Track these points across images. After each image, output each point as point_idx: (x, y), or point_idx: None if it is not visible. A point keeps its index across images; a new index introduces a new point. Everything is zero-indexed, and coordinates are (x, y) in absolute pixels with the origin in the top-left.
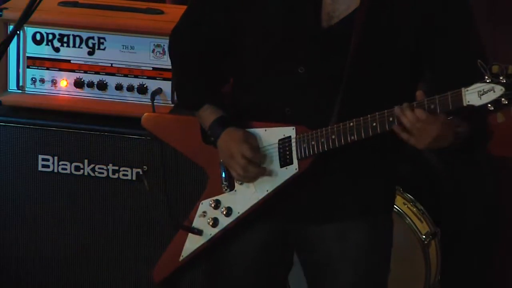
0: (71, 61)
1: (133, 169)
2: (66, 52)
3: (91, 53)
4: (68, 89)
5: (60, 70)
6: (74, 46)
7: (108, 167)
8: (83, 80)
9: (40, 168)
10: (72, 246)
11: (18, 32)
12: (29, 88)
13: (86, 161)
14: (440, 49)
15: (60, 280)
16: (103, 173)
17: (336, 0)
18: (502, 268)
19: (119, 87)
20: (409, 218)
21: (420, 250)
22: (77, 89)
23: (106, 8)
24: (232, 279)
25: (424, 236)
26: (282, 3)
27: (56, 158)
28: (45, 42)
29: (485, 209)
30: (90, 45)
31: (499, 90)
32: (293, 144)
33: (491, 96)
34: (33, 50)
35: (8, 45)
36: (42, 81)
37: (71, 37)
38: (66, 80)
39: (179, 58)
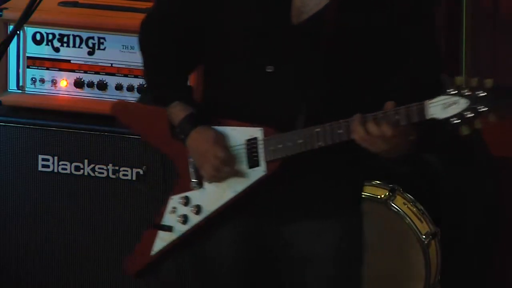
0: (71, 61)
1: (133, 169)
2: (66, 52)
3: (91, 53)
4: (68, 89)
5: (60, 70)
6: (74, 46)
7: (108, 167)
8: (83, 80)
9: (40, 168)
10: (72, 246)
11: (18, 32)
12: (29, 88)
13: (86, 161)
14: (413, 42)
15: (60, 280)
16: (103, 173)
17: None
18: (502, 268)
19: (119, 87)
20: (409, 218)
21: (420, 250)
22: (77, 89)
23: (106, 8)
24: (215, 275)
25: (424, 236)
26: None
27: (56, 158)
28: (45, 42)
29: (485, 209)
30: (90, 45)
31: (463, 103)
32: (260, 146)
33: (455, 110)
34: (33, 50)
35: (8, 45)
36: (42, 81)
37: (71, 37)
38: (66, 80)
39: (148, 52)
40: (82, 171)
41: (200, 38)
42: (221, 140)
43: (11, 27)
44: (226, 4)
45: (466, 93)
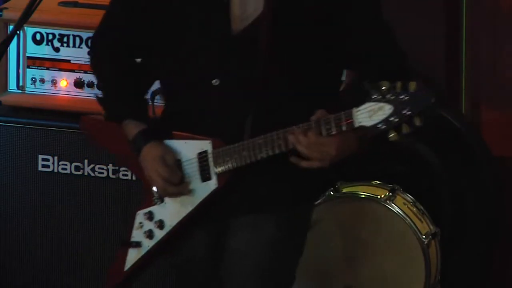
0: (71, 61)
1: None
2: (66, 52)
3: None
4: (68, 89)
5: (60, 70)
6: (74, 46)
7: (108, 167)
8: (83, 80)
9: (40, 168)
10: (72, 246)
11: (18, 32)
12: (29, 88)
13: (86, 161)
14: (355, 32)
15: (60, 279)
16: (103, 173)
17: (244, 2)
18: (502, 268)
19: None
20: (409, 218)
21: (420, 250)
22: (77, 89)
23: (106, 8)
24: (191, 278)
25: (424, 236)
26: (192, 11)
27: (56, 158)
28: (45, 42)
29: (485, 209)
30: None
31: (388, 108)
32: (210, 159)
33: (381, 116)
34: (33, 50)
35: (8, 45)
36: (42, 81)
37: (71, 37)
38: (66, 80)
39: (98, 71)
40: (82, 171)
41: (148, 56)
42: (168, 158)
43: (11, 27)
44: (170, 21)
45: (390, 98)
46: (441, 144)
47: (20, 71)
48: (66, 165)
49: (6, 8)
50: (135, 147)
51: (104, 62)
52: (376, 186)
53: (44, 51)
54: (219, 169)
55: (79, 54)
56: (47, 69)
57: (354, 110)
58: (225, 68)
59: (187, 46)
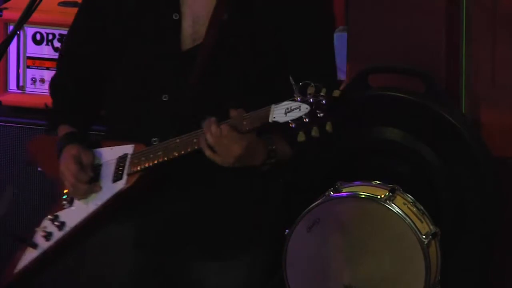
0: None
1: None
2: None
3: None
4: None
5: None
6: None
7: None
8: None
9: (40, 168)
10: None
11: (18, 32)
12: (29, 88)
13: None
14: (291, 55)
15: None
16: None
17: (196, 22)
18: (502, 268)
19: None
20: (409, 218)
21: (420, 250)
22: None
23: None
24: None
25: (424, 236)
26: (145, 26)
27: None
28: (45, 42)
29: (485, 209)
30: None
31: (304, 108)
32: (127, 161)
33: (295, 114)
34: (33, 50)
35: (8, 45)
36: (42, 81)
37: None
38: None
39: (57, 74)
40: None
41: (102, 63)
42: (84, 157)
43: (11, 27)
44: (124, 34)
45: (310, 100)
46: (441, 144)
47: (20, 71)
48: None
49: (6, 8)
50: (58, 148)
51: (64, 68)
52: (376, 186)
53: (44, 51)
54: (132, 169)
55: None
56: (47, 69)
57: (273, 106)
58: (174, 84)
59: (140, 60)
